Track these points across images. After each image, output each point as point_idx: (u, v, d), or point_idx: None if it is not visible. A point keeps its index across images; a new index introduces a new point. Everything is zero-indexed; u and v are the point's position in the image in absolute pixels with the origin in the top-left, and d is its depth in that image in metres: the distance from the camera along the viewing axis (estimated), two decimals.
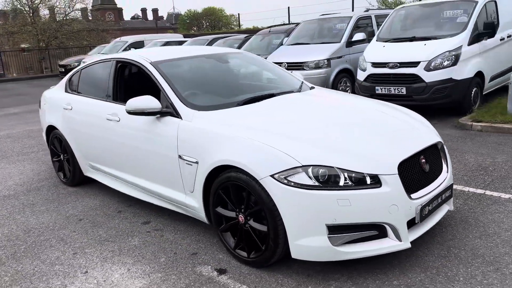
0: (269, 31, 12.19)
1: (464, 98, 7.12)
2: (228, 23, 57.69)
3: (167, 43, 16.85)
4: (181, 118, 3.43)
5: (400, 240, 2.73)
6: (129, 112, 3.58)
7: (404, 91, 7.16)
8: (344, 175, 2.66)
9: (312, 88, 4.27)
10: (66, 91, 5.04)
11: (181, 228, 3.80)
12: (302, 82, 4.34)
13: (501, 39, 7.80)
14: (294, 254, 2.77)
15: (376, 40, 8.19)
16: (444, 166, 3.29)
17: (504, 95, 7.50)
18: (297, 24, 12.06)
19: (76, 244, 3.63)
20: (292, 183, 2.67)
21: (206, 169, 3.14)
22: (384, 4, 14.59)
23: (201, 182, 3.25)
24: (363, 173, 2.67)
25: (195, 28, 57.94)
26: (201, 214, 3.41)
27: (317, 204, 2.63)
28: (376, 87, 7.50)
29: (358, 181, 2.66)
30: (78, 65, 14.47)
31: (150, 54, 4.20)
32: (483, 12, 7.49)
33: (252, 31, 18.24)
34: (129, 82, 4.64)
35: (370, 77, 7.63)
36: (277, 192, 2.70)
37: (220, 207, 3.20)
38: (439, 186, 3.05)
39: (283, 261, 3.04)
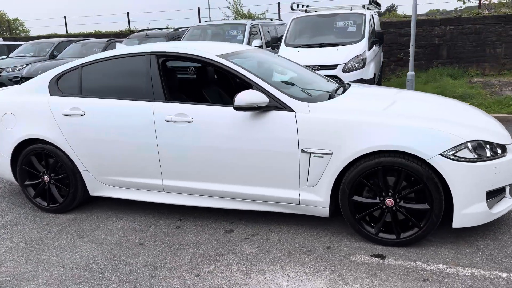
0: (146, 35, 11.61)
1: None
2: (13, 28, 50.19)
3: None
4: (293, 111, 3.29)
5: None
6: (239, 108, 3.24)
7: None
8: (487, 146, 3.10)
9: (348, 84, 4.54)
10: (54, 94, 4.00)
11: (279, 229, 3.59)
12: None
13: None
14: (456, 224, 3.07)
15: (286, 46, 8.84)
16: None
17: None
18: (176, 29, 11.87)
19: (205, 268, 3.08)
20: (461, 158, 2.97)
21: (347, 158, 3.14)
22: (240, 16, 15.48)
23: (334, 173, 3.21)
24: (500, 144, 3.16)
25: None
26: (322, 208, 3.35)
27: (480, 173, 3.00)
28: None
29: (501, 151, 3.14)
30: None
31: (201, 47, 3.79)
32: (371, 23, 8.95)
33: (92, 35, 16.76)
34: (183, 78, 4.05)
35: None
36: (447, 168, 2.96)
37: (356, 196, 3.23)
38: None
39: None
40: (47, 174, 4.10)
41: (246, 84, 3.52)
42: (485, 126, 3.34)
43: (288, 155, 3.29)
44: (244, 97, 3.22)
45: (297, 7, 9.82)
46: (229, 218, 3.85)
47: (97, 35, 17.58)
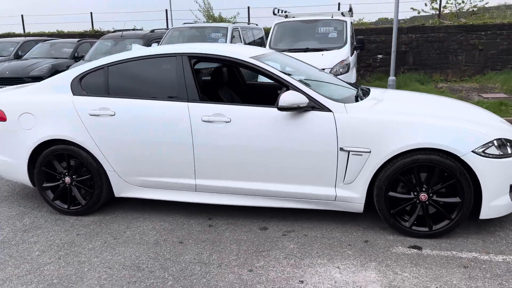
0: (121, 36, 11.41)
1: None
2: None
3: None
4: (331, 111, 3.45)
5: None
6: (282, 108, 3.36)
7: None
8: (507, 144, 3.41)
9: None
10: (78, 94, 3.92)
11: (312, 225, 3.73)
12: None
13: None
14: (484, 215, 3.35)
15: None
16: None
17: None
18: (152, 30, 11.75)
19: (255, 263, 3.14)
20: (489, 155, 3.25)
21: (385, 156, 3.34)
22: (211, 19, 15.50)
23: (372, 171, 3.40)
24: None
25: None
26: (357, 204, 3.53)
27: (505, 169, 3.30)
28: None
29: None
30: None
31: (230, 49, 3.87)
32: (351, 29, 9.32)
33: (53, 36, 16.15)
34: (214, 79, 4.11)
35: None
36: (478, 164, 3.23)
37: (391, 192, 3.44)
38: None
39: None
40: (68, 176, 4.00)
41: (282, 85, 3.64)
42: (500, 125, 3.65)
43: (326, 153, 3.44)
44: (287, 97, 3.35)
45: (278, 12, 10.03)
46: (260, 216, 3.94)
47: (61, 35, 16.97)
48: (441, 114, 3.58)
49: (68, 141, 3.90)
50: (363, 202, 3.52)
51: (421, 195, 3.39)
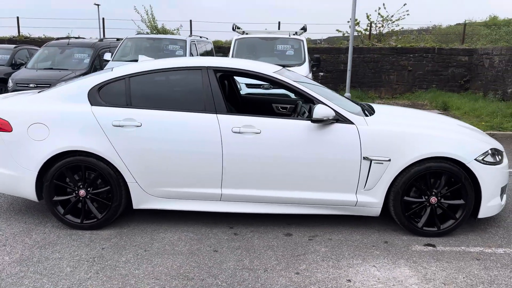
0: (68, 43, 10.90)
1: None
2: None
3: None
4: (353, 123, 3.78)
5: None
6: (315, 120, 3.62)
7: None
8: (495, 153, 3.98)
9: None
10: (97, 104, 3.82)
11: (332, 230, 4.00)
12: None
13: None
14: (482, 215, 3.87)
15: None
16: None
17: None
18: (101, 39, 11.41)
19: (298, 267, 3.31)
20: (487, 162, 3.79)
21: (404, 164, 3.73)
22: (155, 30, 15.28)
23: (391, 178, 3.78)
24: (501, 150, 4.08)
25: None
26: (376, 208, 3.88)
27: (499, 174, 3.86)
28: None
29: (501, 156, 4.04)
30: None
31: (251, 64, 4.06)
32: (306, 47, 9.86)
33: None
34: (236, 92, 4.18)
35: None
36: (479, 170, 3.75)
37: (406, 196, 3.84)
38: None
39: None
40: (83, 188, 3.86)
41: (306, 100, 3.91)
42: (487, 138, 4.24)
43: (351, 162, 3.76)
44: (320, 110, 3.62)
45: (236, 28, 10.31)
46: (280, 223, 4.12)
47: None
48: (443, 127, 4.08)
49: (87, 152, 3.78)
50: (381, 206, 3.87)
51: (431, 198, 3.83)
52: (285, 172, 3.79)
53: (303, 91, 3.87)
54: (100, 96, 3.87)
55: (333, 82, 14.14)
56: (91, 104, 3.84)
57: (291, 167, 3.77)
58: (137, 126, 3.75)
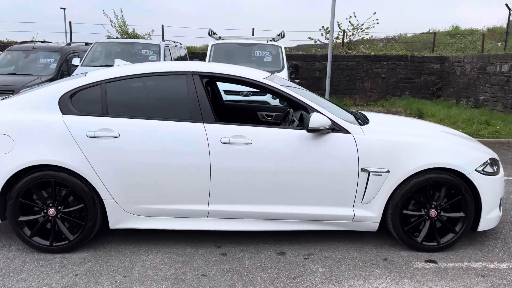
0: (33, 47, 10.30)
1: None
2: None
3: None
4: (350, 133, 3.55)
5: None
6: (311, 130, 3.36)
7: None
8: (493, 163, 3.84)
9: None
10: (69, 113, 3.43)
11: (327, 247, 3.74)
12: None
13: None
14: (481, 227, 3.70)
15: None
16: None
17: None
18: (69, 43, 10.86)
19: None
20: (486, 173, 3.64)
21: (403, 176, 3.52)
22: (126, 35, 14.75)
23: (389, 190, 3.56)
24: (498, 160, 3.94)
25: None
26: (373, 223, 3.65)
27: (498, 184, 3.72)
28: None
29: (497, 167, 3.90)
30: None
31: (241, 70, 3.78)
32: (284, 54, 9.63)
33: None
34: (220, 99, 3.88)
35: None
36: (479, 181, 3.59)
37: (405, 210, 3.63)
38: None
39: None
40: (53, 207, 3.45)
41: (299, 107, 3.65)
42: (484, 147, 4.09)
43: (347, 174, 3.51)
44: (316, 119, 3.36)
45: (212, 33, 10.01)
46: (270, 240, 3.82)
47: None
48: (440, 135, 3.91)
49: (57, 166, 3.38)
50: (379, 221, 3.64)
51: (431, 211, 3.63)
52: (278, 185, 3.51)
53: (297, 98, 3.61)
54: (72, 103, 3.48)
55: (309, 89, 13.79)
56: (63, 113, 3.45)
57: (285, 180, 3.50)
58: (114, 137, 3.39)
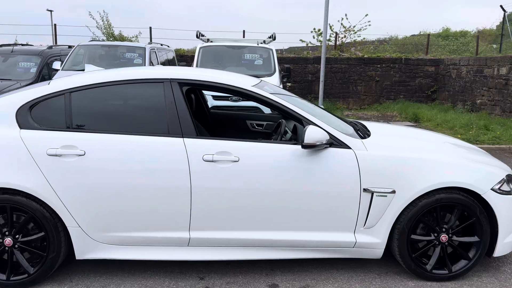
0: (12, 51, 9.77)
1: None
2: None
3: None
4: (350, 148, 3.13)
5: None
6: (307, 146, 2.93)
7: None
8: (509, 180, 3.44)
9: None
10: (28, 127, 2.97)
11: (325, 277, 3.31)
12: None
13: None
14: (498, 253, 3.30)
15: None
16: None
17: None
18: (50, 46, 10.33)
19: None
20: (504, 192, 3.24)
21: (411, 196, 3.11)
22: (112, 37, 14.25)
23: (396, 213, 3.14)
24: None
25: None
26: (378, 250, 3.23)
27: None
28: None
29: None
30: None
31: (226, 76, 3.34)
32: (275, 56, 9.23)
33: None
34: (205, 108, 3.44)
35: (213, 109, 7.89)
36: (496, 201, 3.19)
37: (413, 234, 3.21)
38: None
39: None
40: (10, 236, 2.98)
41: (293, 119, 3.22)
42: (498, 162, 3.68)
43: (348, 195, 3.09)
44: (312, 134, 2.94)
45: (200, 35, 9.56)
46: (260, 270, 3.38)
47: None
48: (450, 149, 3.51)
49: (13, 189, 2.91)
50: (384, 247, 3.22)
51: (442, 236, 3.22)
52: (269, 209, 3.07)
53: (290, 109, 3.18)
54: (32, 116, 3.02)
55: (301, 93, 13.61)
56: (20, 127, 2.98)
57: (277, 202, 3.06)
58: (80, 155, 2.93)
